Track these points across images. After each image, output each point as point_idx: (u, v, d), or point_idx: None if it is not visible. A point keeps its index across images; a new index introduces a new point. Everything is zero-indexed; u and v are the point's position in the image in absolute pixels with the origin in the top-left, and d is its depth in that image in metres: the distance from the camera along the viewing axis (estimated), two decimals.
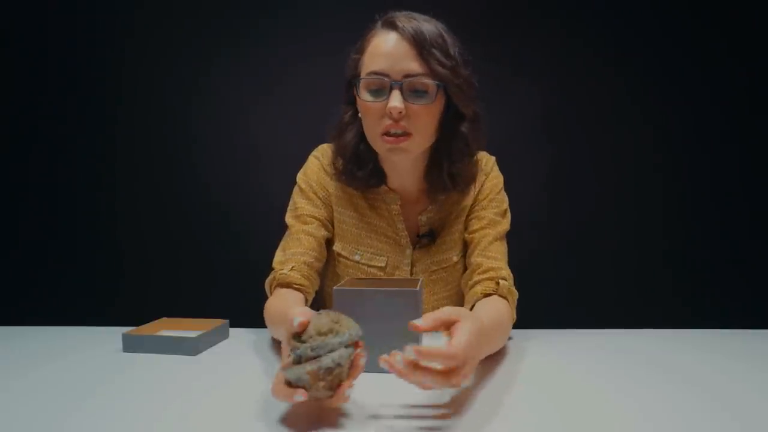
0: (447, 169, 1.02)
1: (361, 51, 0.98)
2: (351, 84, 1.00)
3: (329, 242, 1.10)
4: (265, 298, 1.00)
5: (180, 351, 0.90)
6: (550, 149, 1.88)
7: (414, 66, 0.92)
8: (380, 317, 0.75)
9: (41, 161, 1.85)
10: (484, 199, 1.09)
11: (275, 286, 0.99)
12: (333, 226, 1.09)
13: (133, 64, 1.83)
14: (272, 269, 1.02)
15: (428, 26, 0.93)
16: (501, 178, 1.13)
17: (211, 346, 0.96)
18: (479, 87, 1.00)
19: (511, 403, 0.71)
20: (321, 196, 1.08)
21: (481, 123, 1.02)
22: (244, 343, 0.99)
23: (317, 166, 1.10)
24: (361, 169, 1.03)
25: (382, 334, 0.72)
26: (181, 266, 1.87)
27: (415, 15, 0.95)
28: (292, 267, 0.99)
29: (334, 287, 0.80)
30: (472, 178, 1.06)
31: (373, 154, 1.03)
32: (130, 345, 0.92)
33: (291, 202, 1.10)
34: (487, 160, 1.12)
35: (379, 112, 0.93)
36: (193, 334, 0.96)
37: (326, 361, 0.58)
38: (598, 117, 1.89)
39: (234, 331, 1.05)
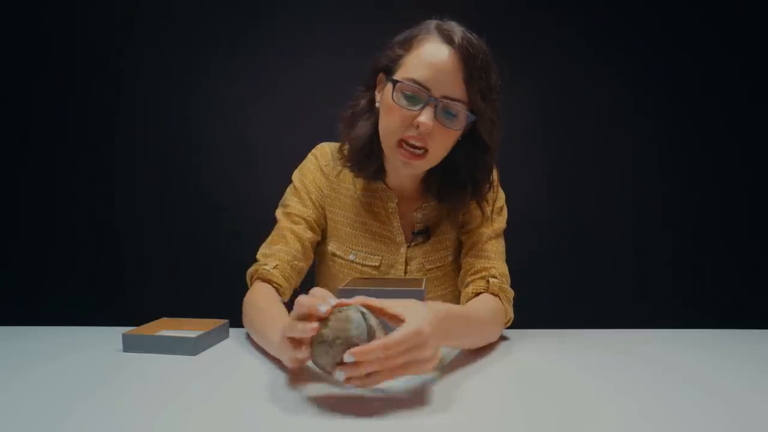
0: (471, 193, 1.02)
1: (407, 48, 0.94)
2: (377, 72, 0.98)
3: (318, 243, 1.11)
4: None
5: (180, 351, 0.90)
6: (550, 149, 1.88)
7: (457, 91, 0.90)
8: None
9: (40, 161, 1.85)
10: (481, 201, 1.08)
11: (255, 279, 1.01)
12: (325, 226, 1.10)
13: (132, 66, 1.83)
14: (256, 260, 1.04)
15: (481, 49, 0.91)
16: (496, 174, 1.12)
17: (211, 346, 0.96)
18: None
19: (510, 403, 0.71)
20: (314, 197, 1.08)
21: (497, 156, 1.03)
22: (244, 343, 0.99)
23: (314, 166, 1.10)
24: (367, 161, 1.02)
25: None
26: (181, 266, 1.87)
27: (468, 31, 0.92)
28: (276, 265, 1.01)
29: (338, 287, 0.80)
30: (467, 206, 1.06)
31: (381, 151, 1.02)
32: (130, 345, 0.92)
33: (284, 198, 1.11)
34: None
35: (406, 120, 0.92)
36: (193, 334, 0.96)
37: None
38: (598, 117, 1.89)
39: (234, 331, 1.05)
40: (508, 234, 1.10)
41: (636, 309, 1.79)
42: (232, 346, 0.97)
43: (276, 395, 0.72)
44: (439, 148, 0.94)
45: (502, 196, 1.12)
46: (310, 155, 1.13)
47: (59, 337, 1.04)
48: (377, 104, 0.99)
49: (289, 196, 1.10)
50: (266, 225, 1.09)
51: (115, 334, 0.98)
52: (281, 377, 0.80)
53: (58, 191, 1.86)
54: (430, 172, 1.04)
